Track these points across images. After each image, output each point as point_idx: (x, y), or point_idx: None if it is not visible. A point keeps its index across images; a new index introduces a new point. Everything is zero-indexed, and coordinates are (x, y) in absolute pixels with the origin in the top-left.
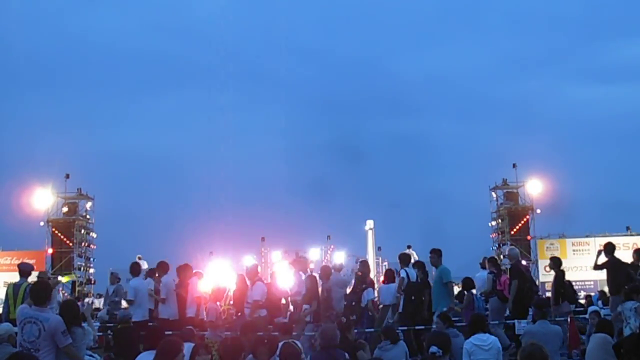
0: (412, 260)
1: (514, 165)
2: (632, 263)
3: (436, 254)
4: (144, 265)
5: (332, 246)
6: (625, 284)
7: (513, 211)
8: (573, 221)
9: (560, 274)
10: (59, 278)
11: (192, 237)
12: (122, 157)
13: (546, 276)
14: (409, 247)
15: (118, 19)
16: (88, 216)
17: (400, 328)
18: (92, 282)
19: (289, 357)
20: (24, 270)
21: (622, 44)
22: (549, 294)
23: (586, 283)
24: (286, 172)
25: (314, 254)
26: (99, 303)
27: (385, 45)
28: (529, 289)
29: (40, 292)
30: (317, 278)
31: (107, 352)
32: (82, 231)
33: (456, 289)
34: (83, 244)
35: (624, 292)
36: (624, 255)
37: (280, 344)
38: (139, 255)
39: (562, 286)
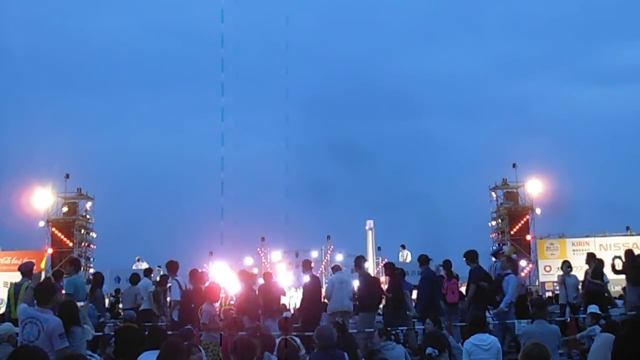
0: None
1: (514, 165)
2: None
3: None
4: (144, 266)
5: (331, 246)
6: None
7: (513, 211)
8: (573, 221)
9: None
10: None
11: (192, 237)
12: (122, 157)
13: (546, 276)
14: (403, 246)
15: (118, 20)
16: (88, 216)
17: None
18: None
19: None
20: (25, 270)
21: (620, 46)
22: (549, 294)
23: None
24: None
25: (314, 254)
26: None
27: (386, 45)
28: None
29: (44, 292)
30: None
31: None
32: (82, 231)
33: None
34: (83, 244)
35: None
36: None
37: (277, 340)
38: (138, 257)
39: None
